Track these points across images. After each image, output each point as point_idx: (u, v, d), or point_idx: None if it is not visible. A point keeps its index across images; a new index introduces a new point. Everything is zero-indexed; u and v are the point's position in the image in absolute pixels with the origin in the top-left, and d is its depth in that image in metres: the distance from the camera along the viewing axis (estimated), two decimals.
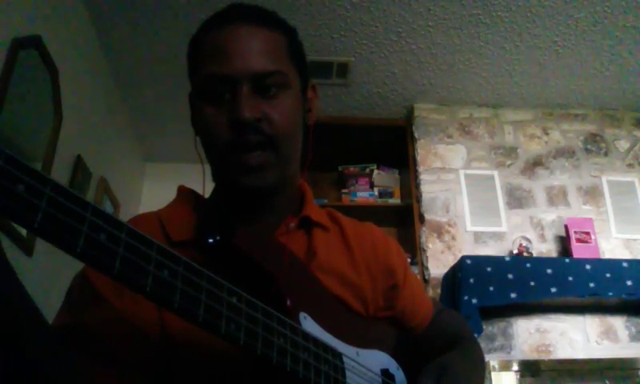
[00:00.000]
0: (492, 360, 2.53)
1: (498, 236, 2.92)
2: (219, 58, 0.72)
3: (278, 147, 0.73)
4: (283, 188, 0.79)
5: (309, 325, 0.67)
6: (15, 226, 1.85)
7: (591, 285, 2.45)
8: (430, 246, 2.88)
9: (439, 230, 2.92)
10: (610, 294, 2.46)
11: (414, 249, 2.91)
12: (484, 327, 2.50)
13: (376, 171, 3.35)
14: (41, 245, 2.04)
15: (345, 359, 0.69)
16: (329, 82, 2.99)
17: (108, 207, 2.96)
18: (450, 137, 3.20)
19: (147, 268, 0.48)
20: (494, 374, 2.51)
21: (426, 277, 2.81)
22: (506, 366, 2.57)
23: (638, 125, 3.31)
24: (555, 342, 2.63)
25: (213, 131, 0.73)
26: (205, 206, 0.79)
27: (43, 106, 2.16)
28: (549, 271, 2.47)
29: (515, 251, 2.75)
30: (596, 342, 2.66)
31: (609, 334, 2.68)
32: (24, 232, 1.93)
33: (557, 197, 3.07)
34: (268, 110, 0.72)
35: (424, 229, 2.94)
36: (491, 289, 2.43)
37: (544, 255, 2.85)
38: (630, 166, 3.19)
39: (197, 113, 0.77)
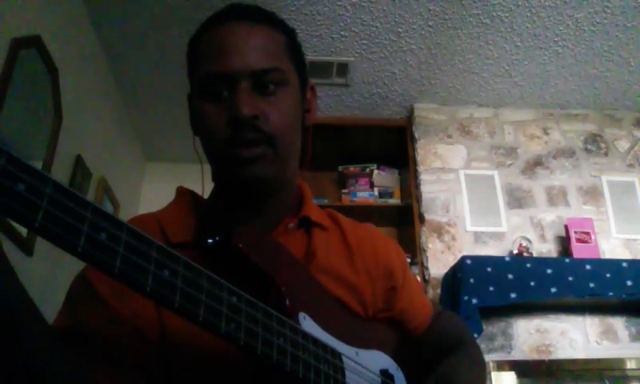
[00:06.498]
0: (492, 360, 2.53)
1: (497, 236, 2.92)
2: (218, 56, 0.72)
3: (275, 145, 0.72)
4: (282, 187, 0.78)
5: (308, 325, 0.67)
6: (15, 225, 1.85)
7: (591, 285, 2.45)
8: (430, 245, 2.88)
9: (439, 230, 2.92)
10: (610, 294, 2.46)
11: (414, 249, 2.91)
12: (484, 327, 2.49)
13: (376, 171, 3.35)
14: (41, 245, 2.03)
15: (344, 359, 0.69)
16: (329, 82, 2.99)
17: (108, 207, 2.96)
18: (449, 137, 3.20)
19: (147, 267, 0.48)
20: (494, 374, 2.51)
21: (426, 277, 2.81)
22: (506, 366, 2.57)
23: (638, 125, 3.30)
24: (555, 342, 2.63)
25: (212, 129, 0.72)
26: (204, 206, 0.79)
27: (43, 106, 2.16)
28: (549, 271, 2.47)
29: (515, 251, 2.75)
30: (596, 342, 2.66)
31: (609, 334, 2.68)
32: (24, 232, 1.92)
33: (557, 197, 3.07)
34: (266, 108, 0.72)
35: (424, 229, 2.94)
36: (491, 289, 2.43)
37: (544, 255, 2.85)
38: (630, 166, 3.19)
39: (196, 112, 0.77)
